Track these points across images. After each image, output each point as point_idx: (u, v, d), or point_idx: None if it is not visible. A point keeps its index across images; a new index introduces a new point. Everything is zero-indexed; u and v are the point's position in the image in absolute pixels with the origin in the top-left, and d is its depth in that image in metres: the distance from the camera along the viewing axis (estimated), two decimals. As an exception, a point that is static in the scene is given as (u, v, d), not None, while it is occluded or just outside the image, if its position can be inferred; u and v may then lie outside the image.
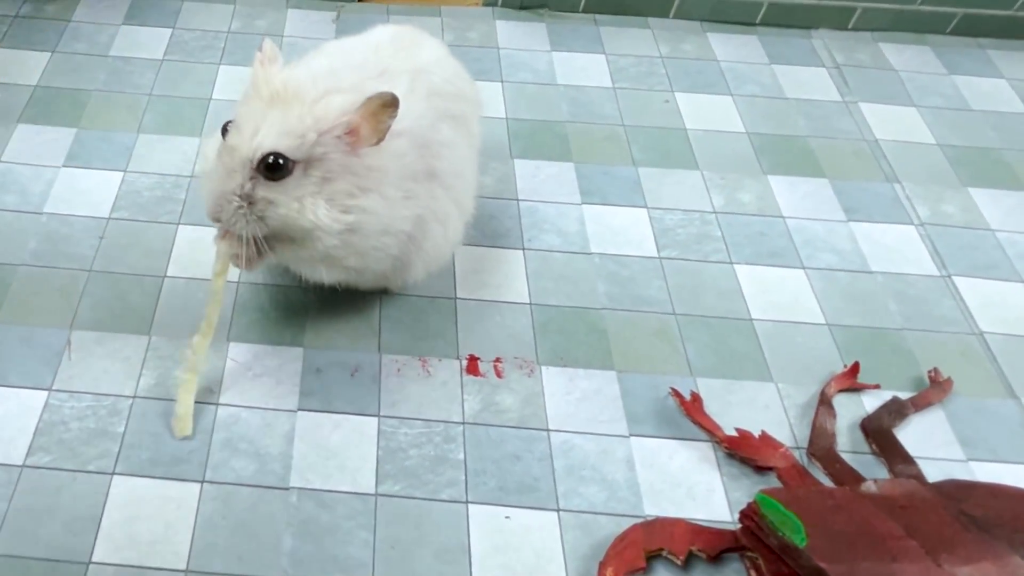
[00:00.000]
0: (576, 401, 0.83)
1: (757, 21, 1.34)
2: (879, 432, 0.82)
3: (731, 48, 1.30)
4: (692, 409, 0.82)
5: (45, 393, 0.79)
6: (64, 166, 1.01)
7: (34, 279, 0.88)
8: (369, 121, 0.64)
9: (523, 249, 0.97)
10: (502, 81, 1.20)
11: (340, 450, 0.77)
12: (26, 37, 1.19)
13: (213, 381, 0.81)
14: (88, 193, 0.98)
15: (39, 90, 1.11)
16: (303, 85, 0.64)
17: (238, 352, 0.84)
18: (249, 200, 0.65)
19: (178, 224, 0.96)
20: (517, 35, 1.29)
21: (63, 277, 0.89)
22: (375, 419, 0.80)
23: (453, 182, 0.79)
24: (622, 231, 1.01)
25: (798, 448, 0.81)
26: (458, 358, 0.86)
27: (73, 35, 1.20)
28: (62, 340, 0.83)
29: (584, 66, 1.24)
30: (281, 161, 0.63)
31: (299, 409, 0.80)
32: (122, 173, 1.01)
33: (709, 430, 0.81)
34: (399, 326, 0.88)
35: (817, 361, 0.89)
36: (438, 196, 0.77)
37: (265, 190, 0.65)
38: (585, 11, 1.33)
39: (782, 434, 0.82)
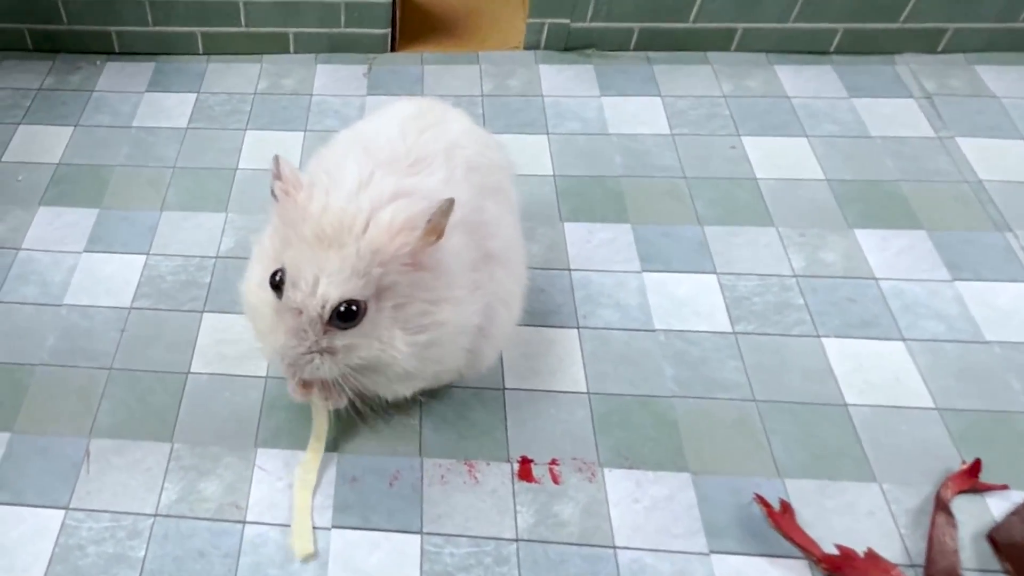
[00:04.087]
0: (645, 511, 0.77)
1: (831, 49, 1.28)
2: (1012, 546, 0.73)
3: (803, 81, 1.24)
4: (782, 521, 0.75)
5: (62, 513, 0.77)
6: (85, 251, 1.02)
7: (52, 381, 0.88)
8: (429, 233, 0.61)
9: (578, 328, 0.93)
10: (548, 133, 1.17)
11: (379, 575, 0.73)
12: (49, 111, 1.22)
13: (240, 495, 0.79)
14: (109, 280, 0.98)
15: (61, 168, 1.13)
16: (346, 213, 0.60)
17: (266, 459, 0.81)
18: (329, 352, 0.63)
19: (202, 312, 0.95)
20: (562, 80, 1.26)
21: (82, 377, 0.88)
22: (417, 537, 0.75)
23: (508, 257, 0.76)
24: (689, 302, 0.95)
25: (913, 567, 0.73)
26: (509, 461, 0.81)
27: (96, 106, 1.23)
28: (80, 450, 0.82)
29: (638, 111, 1.20)
30: (354, 308, 0.61)
31: (333, 527, 0.76)
32: (144, 256, 1.01)
33: (804, 547, 0.73)
34: (442, 424, 0.84)
35: (928, 455, 0.81)
36: (499, 277, 0.74)
37: (343, 338, 0.62)
38: (637, 48, 1.30)
39: (892, 549, 0.74)
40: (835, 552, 0.73)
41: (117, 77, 1.28)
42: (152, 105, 1.23)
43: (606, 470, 0.80)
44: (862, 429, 0.83)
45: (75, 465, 0.81)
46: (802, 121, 1.17)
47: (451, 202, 0.61)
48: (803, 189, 1.08)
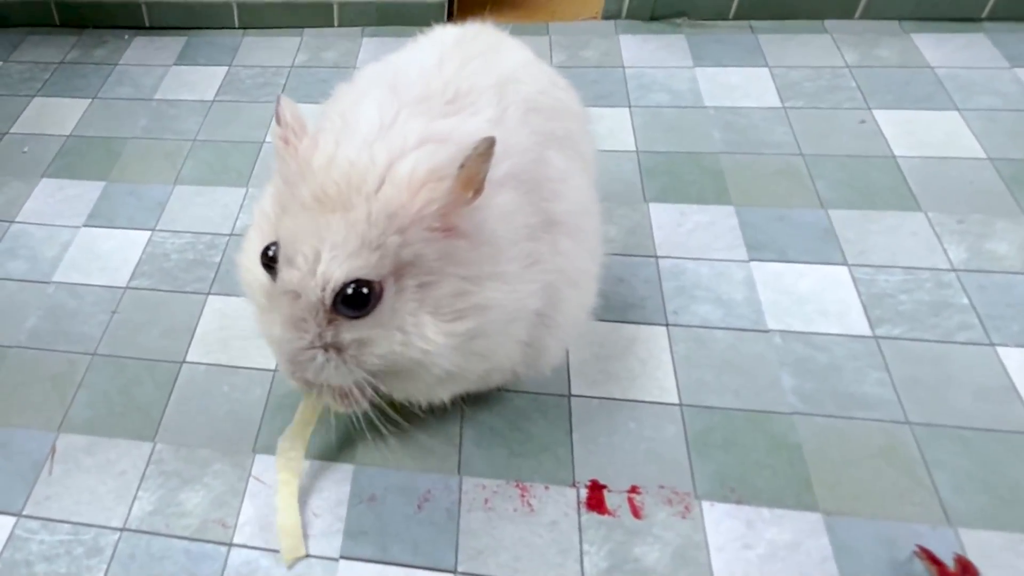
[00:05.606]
0: (760, 560, 0.62)
1: (983, 16, 1.14)
2: None
3: (948, 51, 1.10)
4: (961, 584, 0.59)
5: (12, 520, 0.68)
6: (84, 226, 0.96)
7: (26, 365, 0.80)
8: (464, 185, 0.50)
9: (666, 325, 0.80)
10: (629, 106, 1.06)
11: (397, 625, 0.60)
12: (67, 84, 1.20)
13: (228, 510, 0.67)
14: (106, 257, 0.91)
15: (71, 140, 1.09)
16: (356, 167, 0.50)
17: (265, 468, 0.70)
18: (335, 348, 0.52)
19: (207, 294, 0.86)
20: (648, 51, 1.16)
21: (60, 363, 0.80)
22: (450, 577, 0.62)
23: (578, 224, 0.64)
24: (813, 298, 0.81)
25: None
26: (574, 485, 0.68)
27: (118, 79, 1.20)
28: (46, 446, 0.73)
29: (740, 83, 1.08)
30: (364, 290, 0.50)
31: (341, 557, 0.64)
32: (149, 232, 0.94)
33: (996, 622, 0.57)
34: (489, 436, 0.72)
35: None
36: (565, 250, 0.61)
37: (352, 331, 0.51)
38: (737, 17, 1.19)
39: None
40: (1043, 632, 0.56)
41: (144, 51, 1.26)
42: (178, 78, 1.19)
43: (705, 504, 0.66)
44: (1065, 467, 0.66)
45: (37, 464, 0.72)
46: (951, 93, 1.03)
47: (490, 142, 0.49)
48: (958, 169, 0.93)
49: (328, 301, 0.50)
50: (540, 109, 0.65)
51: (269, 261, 0.52)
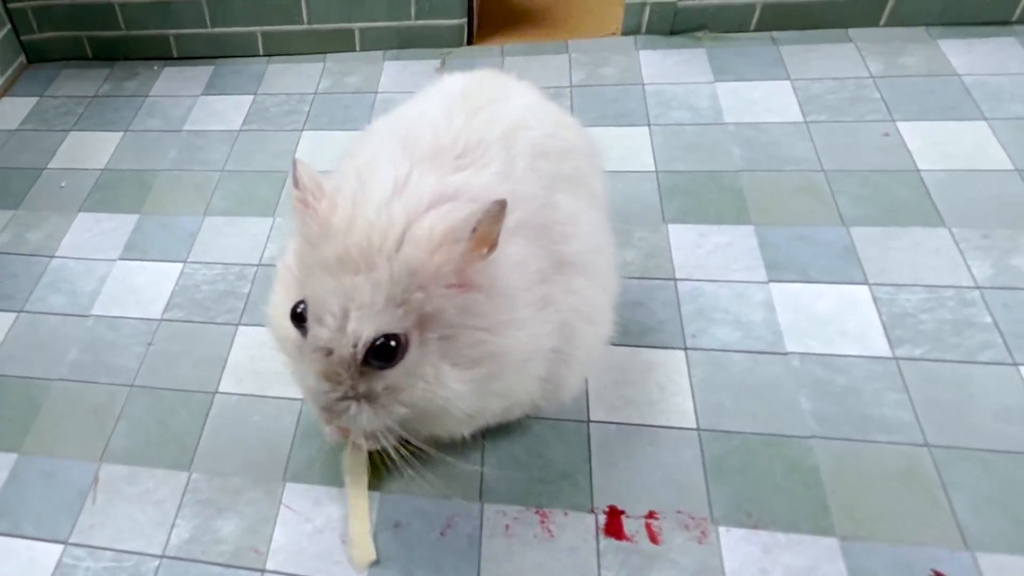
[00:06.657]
0: (777, 585, 0.65)
1: (1014, 19, 1.15)
2: None
3: (977, 57, 1.11)
4: (977, 609, 0.61)
5: (60, 548, 0.74)
6: (120, 259, 1.02)
7: (69, 397, 0.87)
8: (477, 244, 0.55)
9: (684, 349, 0.83)
10: (649, 124, 1.09)
11: (422, 648, 0.64)
12: (100, 117, 1.27)
13: (261, 537, 0.73)
14: (142, 290, 0.97)
15: (106, 174, 1.16)
16: (376, 228, 0.54)
17: (295, 496, 0.75)
18: (368, 398, 0.57)
19: (238, 325, 0.92)
20: (668, 66, 1.19)
21: (100, 395, 0.86)
22: (473, 602, 0.67)
23: (589, 262, 0.68)
24: (833, 319, 0.83)
25: None
26: (593, 511, 0.71)
27: (148, 111, 1.27)
28: (89, 476, 0.79)
29: (761, 97, 1.11)
30: (392, 343, 0.55)
31: (368, 582, 0.69)
32: (181, 264, 1.00)
33: (1012, 648, 0.59)
34: (509, 463, 0.76)
35: None
36: (578, 288, 0.66)
37: (383, 380, 0.57)
38: (759, 28, 1.22)
39: None
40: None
41: (173, 81, 1.33)
42: (205, 108, 1.26)
43: (721, 529, 0.69)
44: (1090, 491, 0.68)
45: (81, 493, 0.78)
46: (978, 102, 1.04)
47: (502, 205, 0.54)
48: (984, 181, 0.94)
49: (360, 356, 0.55)
50: (548, 153, 0.69)
51: (298, 318, 0.57)
